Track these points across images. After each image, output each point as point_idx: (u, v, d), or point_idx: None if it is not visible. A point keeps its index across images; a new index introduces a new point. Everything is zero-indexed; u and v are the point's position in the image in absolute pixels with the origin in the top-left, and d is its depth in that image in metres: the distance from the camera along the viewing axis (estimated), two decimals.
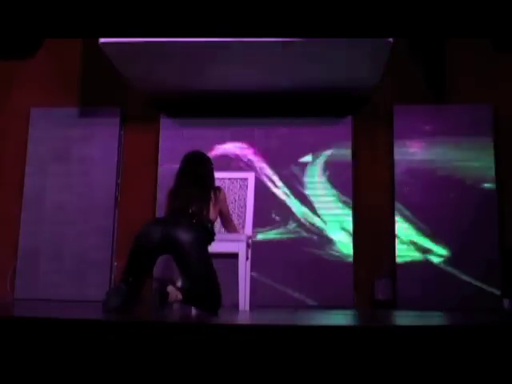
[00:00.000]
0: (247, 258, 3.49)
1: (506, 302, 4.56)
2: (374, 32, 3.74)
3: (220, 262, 4.06)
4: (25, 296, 4.85)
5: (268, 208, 4.89)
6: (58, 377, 1.78)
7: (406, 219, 4.83)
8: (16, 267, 4.99)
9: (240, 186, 3.79)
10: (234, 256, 3.38)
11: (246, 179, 3.82)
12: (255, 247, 3.84)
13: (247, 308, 3.36)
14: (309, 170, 4.99)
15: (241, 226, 3.63)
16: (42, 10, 3.75)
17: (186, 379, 1.75)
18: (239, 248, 3.35)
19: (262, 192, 4.72)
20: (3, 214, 5.15)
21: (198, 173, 3.15)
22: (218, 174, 3.70)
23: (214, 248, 3.32)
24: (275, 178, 4.97)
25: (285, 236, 4.88)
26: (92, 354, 1.78)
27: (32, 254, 4.97)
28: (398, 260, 4.78)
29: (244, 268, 3.34)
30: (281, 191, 4.95)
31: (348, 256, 4.83)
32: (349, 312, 3.65)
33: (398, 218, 4.84)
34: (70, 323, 1.93)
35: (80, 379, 1.77)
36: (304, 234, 4.88)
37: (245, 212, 3.67)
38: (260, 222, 4.55)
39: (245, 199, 3.73)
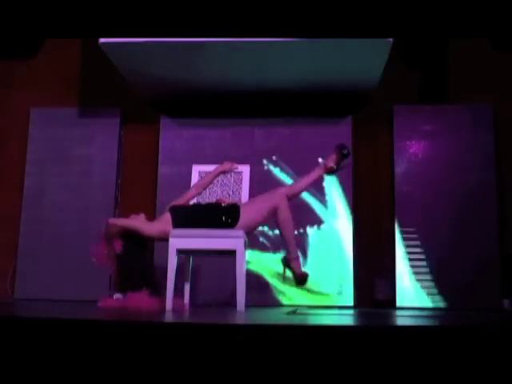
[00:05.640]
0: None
1: (505, 302, 4.56)
2: (374, 32, 3.75)
3: (216, 260, 4.08)
4: (25, 296, 4.86)
5: None
6: (58, 377, 1.78)
7: (406, 219, 4.83)
8: (16, 267, 4.99)
9: (234, 180, 3.76)
10: (231, 253, 3.27)
11: (240, 172, 3.78)
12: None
13: (244, 307, 3.32)
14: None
15: None
16: (42, 10, 3.75)
17: (184, 379, 1.75)
18: (236, 245, 3.24)
19: (260, 191, 4.71)
20: (3, 213, 5.15)
21: None
22: (211, 168, 3.70)
23: (210, 245, 3.30)
24: (274, 178, 4.97)
25: None
26: (92, 354, 1.78)
27: (32, 254, 4.98)
28: (398, 260, 4.78)
29: (241, 266, 3.23)
30: None
31: (348, 256, 4.83)
32: (349, 312, 3.64)
33: (397, 218, 4.84)
34: (70, 323, 1.92)
35: (80, 379, 1.77)
36: (303, 233, 4.88)
37: None
38: None
39: (239, 193, 3.70)
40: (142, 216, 3.47)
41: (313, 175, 3.67)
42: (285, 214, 3.39)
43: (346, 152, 3.57)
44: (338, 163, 3.59)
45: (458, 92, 5.04)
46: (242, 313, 3.06)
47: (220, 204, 3.54)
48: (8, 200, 5.18)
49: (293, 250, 3.44)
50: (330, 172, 3.62)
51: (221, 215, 3.35)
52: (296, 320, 2.51)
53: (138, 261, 3.48)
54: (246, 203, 3.53)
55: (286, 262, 3.47)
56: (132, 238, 3.42)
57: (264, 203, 3.42)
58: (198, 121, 5.13)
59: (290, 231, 3.42)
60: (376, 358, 1.73)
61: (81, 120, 5.22)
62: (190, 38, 3.99)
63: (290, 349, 1.75)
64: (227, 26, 3.71)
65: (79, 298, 4.63)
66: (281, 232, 3.46)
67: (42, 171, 5.12)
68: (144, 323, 2.01)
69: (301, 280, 3.44)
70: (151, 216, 4.94)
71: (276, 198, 3.41)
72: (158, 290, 3.46)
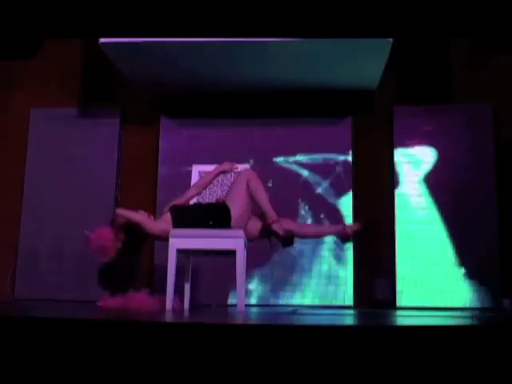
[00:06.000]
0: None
1: (505, 302, 4.56)
2: (374, 32, 3.75)
3: (217, 260, 4.08)
4: (25, 296, 4.85)
5: None
6: (58, 377, 1.78)
7: (406, 219, 4.83)
8: (16, 267, 4.99)
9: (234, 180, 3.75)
10: (232, 253, 3.27)
11: (240, 172, 3.78)
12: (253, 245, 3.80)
13: (244, 307, 3.31)
14: (308, 170, 4.99)
15: None
16: (42, 10, 3.75)
17: (184, 379, 1.75)
18: (237, 245, 3.24)
19: None
20: (3, 213, 5.15)
21: None
22: (211, 168, 3.71)
23: (210, 245, 3.30)
24: (274, 178, 4.96)
25: None
26: (92, 354, 1.78)
27: (32, 254, 4.97)
28: (398, 260, 4.78)
29: (241, 266, 3.23)
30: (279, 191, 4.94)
31: (348, 256, 4.82)
32: (349, 312, 3.65)
33: (397, 218, 4.84)
34: (70, 323, 1.92)
35: (80, 379, 1.77)
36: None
37: None
38: None
39: None
40: (152, 217, 3.49)
41: (326, 229, 3.69)
42: (254, 181, 3.43)
43: (367, 228, 3.55)
44: (355, 233, 3.58)
45: (458, 92, 5.04)
46: (241, 313, 3.06)
47: (211, 204, 3.55)
48: (8, 200, 5.18)
49: (270, 213, 3.41)
50: (344, 237, 3.60)
51: (213, 215, 3.37)
52: (296, 320, 2.51)
53: (128, 261, 3.47)
54: (229, 200, 3.48)
55: (268, 227, 3.43)
56: (132, 234, 3.42)
57: (240, 189, 3.43)
58: (198, 121, 5.13)
59: (263, 195, 3.43)
60: (376, 357, 1.73)
61: (81, 120, 5.21)
62: (189, 38, 3.99)
63: (290, 349, 1.75)
64: (227, 25, 3.71)
65: (79, 298, 4.63)
66: (255, 200, 3.44)
67: (42, 171, 5.12)
68: (144, 323, 2.01)
69: (287, 240, 3.42)
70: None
71: (244, 175, 3.46)
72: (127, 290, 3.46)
